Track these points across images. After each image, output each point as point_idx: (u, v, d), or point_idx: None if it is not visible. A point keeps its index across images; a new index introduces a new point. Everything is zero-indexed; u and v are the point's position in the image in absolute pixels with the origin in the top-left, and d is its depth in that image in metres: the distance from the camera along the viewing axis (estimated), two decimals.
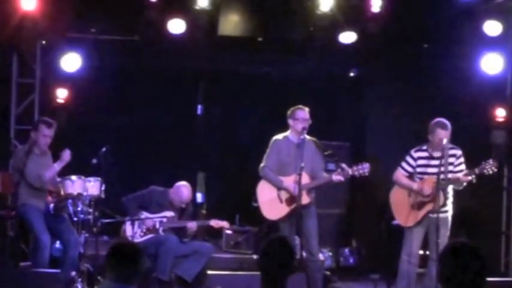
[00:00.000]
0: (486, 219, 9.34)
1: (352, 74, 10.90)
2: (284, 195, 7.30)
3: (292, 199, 7.21)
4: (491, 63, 8.94)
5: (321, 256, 7.84)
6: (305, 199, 7.18)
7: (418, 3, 8.99)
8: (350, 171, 7.20)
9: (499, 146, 9.15)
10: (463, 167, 7.13)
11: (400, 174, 7.35)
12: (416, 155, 7.30)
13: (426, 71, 9.57)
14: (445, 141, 7.06)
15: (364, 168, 7.21)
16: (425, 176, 7.22)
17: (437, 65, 9.39)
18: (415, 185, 7.21)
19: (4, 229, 8.25)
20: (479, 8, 8.76)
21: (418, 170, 7.28)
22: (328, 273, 8.32)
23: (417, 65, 9.64)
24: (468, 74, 9.06)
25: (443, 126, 7.09)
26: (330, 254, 9.16)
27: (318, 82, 10.38)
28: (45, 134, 7.41)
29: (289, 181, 7.21)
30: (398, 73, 9.93)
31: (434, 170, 7.11)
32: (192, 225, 7.85)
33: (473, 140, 8.78)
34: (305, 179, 7.12)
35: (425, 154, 7.27)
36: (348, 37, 9.18)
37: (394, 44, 9.54)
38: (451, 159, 7.14)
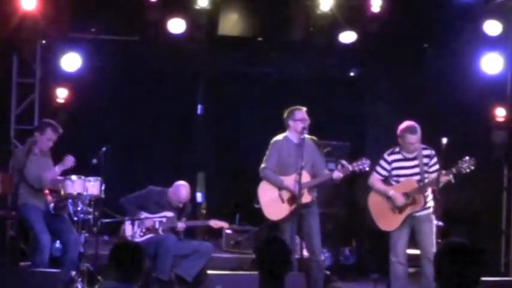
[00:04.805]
0: (486, 219, 9.33)
1: (351, 74, 10.91)
2: (286, 195, 7.28)
3: (293, 198, 7.18)
4: (491, 63, 8.92)
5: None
6: (306, 198, 7.17)
7: (418, 3, 8.98)
8: (350, 167, 7.19)
9: (499, 146, 9.14)
10: (437, 166, 7.04)
11: (375, 179, 7.26)
12: (390, 158, 7.22)
13: (426, 71, 9.57)
14: (416, 145, 7.04)
15: (364, 164, 7.19)
16: (401, 179, 7.16)
17: (437, 65, 9.38)
18: (390, 191, 7.12)
19: (4, 229, 8.24)
20: (479, 8, 8.76)
21: (393, 172, 7.20)
22: (328, 273, 8.31)
23: (417, 65, 9.64)
24: (468, 74, 9.05)
25: (412, 131, 7.03)
26: (330, 253, 9.16)
27: (317, 82, 10.38)
28: (50, 138, 7.43)
29: (289, 180, 7.20)
30: (398, 73, 9.92)
31: (409, 171, 7.11)
32: (181, 225, 7.88)
33: (473, 139, 8.79)
34: (305, 177, 7.12)
35: (399, 156, 7.19)
36: (347, 37, 9.18)
37: (394, 44, 9.53)
38: (425, 160, 7.10)
